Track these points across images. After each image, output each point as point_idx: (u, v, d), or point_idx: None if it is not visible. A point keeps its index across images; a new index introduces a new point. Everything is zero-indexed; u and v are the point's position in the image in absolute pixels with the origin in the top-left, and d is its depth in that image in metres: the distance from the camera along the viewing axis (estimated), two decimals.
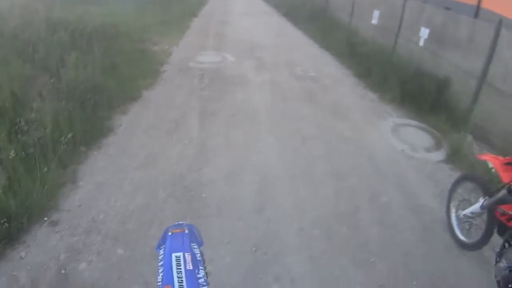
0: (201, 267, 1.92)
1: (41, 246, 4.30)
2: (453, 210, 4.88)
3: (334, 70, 11.35)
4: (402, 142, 6.95)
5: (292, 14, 19.77)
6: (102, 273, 4.00)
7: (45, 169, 5.10)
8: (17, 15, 10.53)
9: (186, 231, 2.16)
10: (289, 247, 4.46)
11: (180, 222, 2.34)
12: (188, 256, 1.94)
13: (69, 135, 5.65)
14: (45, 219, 4.68)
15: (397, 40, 10.72)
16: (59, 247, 4.29)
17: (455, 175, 5.92)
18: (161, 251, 2.02)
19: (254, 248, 4.40)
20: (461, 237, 4.65)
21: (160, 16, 16.76)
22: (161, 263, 1.93)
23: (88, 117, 6.54)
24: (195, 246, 2.07)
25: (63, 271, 3.99)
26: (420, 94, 8.19)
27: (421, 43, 9.33)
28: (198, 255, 2.01)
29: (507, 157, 3.90)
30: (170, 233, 2.12)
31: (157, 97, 8.40)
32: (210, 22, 17.96)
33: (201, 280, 1.84)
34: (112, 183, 5.39)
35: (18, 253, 4.20)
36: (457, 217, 4.77)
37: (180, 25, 16.20)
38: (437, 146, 6.94)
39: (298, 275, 4.08)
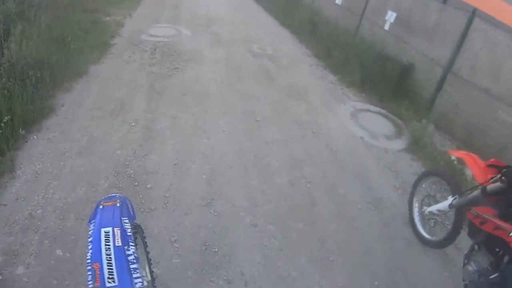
0: (131, 243, 2.01)
1: None
2: (416, 205, 4.74)
3: (294, 49, 10.98)
4: (362, 129, 6.76)
5: None
6: (40, 277, 3.62)
7: None
8: None
9: (118, 204, 2.23)
10: (241, 245, 4.20)
11: (113, 194, 2.43)
12: (117, 231, 2.01)
13: (7, 118, 5.13)
14: None
15: (361, 22, 10.42)
16: None
17: (416, 165, 5.93)
18: (91, 226, 2.09)
19: (204, 247, 4.08)
20: (424, 234, 4.53)
21: None
22: (90, 239, 2.00)
23: (29, 96, 5.97)
24: (126, 221, 2.15)
25: (0, 277, 3.60)
26: (382, 78, 7.98)
27: (387, 27, 9.06)
28: (129, 230, 2.09)
29: (491, 159, 3.68)
30: (101, 206, 2.21)
31: (104, 73, 7.79)
32: None
33: (130, 258, 1.94)
34: (51, 172, 4.91)
35: None
36: (421, 213, 4.63)
37: None
38: (398, 134, 6.79)
39: (252, 277, 3.84)
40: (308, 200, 4.95)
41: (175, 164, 5.33)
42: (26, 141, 5.41)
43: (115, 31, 10.34)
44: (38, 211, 4.31)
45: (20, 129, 5.40)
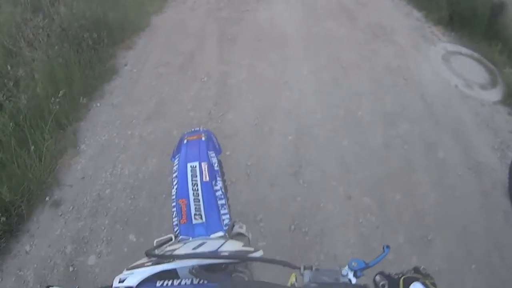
0: (218, 178, 1.92)
1: (46, 236, 3.64)
2: None
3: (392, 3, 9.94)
4: (456, 75, 5.95)
5: None
6: (114, 268, 3.33)
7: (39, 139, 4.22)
8: None
9: (203, 138, 2.11)
10: (334, 223, 3.73)
11: (197, 128, 2.36)
12: (204, 166, 1.90)
13: (64, 90, 4.64)
14: (47, 199, 3.93)
15: None
16: (64, 236, 3.63)
17: None
18: (176, 161, 1.99)
19: (292, 227, 3.64)
20: None
21: None
22: (175, 174, 1.91)
23: (87, 60, 5.49)
24: (213, 155, 2.04)
25: (71, 269, 3.37)
26: (472, 16, 6.99)
27: None
28: (216, 164, 1.99)
29: None
30: (185, 141, 2.10)
31: (168, 24, 7.14)
32: None
33: (218, 193, 1.86)
34: (118, 143, 4.50)
35: (23, 246, 3.59)
36: None
37: None
38: (493, 82, 5.96)
39: (346, 261, 3.33)
40: (405, 165, 4.36)
41: (255, 124, 4.77)
42: (89, 110, 5.01)
43: None
44: (107, 191, 3.98)
45: (81, 98, 4.95)
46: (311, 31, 6.85)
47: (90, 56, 5.54)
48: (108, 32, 6.06)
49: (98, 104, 5.10)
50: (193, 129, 2.30)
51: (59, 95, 4.46)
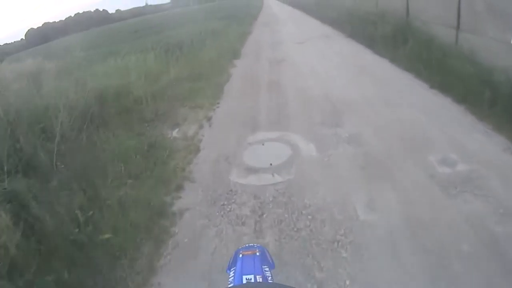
0: None
1: None
2: None
3: (484, 142, 5.86)
4: None
5: (361, 34, 14.66)
6: None
7: None
8: None
9: (258, 254, 2.18)
10: None
11: (251, 244, 2.35)
12: (259, 279, 1.95)
13: None
14: None
15: None
16: None
17: None
18: (231, 273, 2.05)
19: None
20: None
21: (189, 65, 12.28)
22: (231, 285, 1.97)
23: None
24: (267, 269, 2.08)
25: None
26: None
27: None
28: (270, 278, 2.03)
29: None
30: (240, 255, 2.16)
31: None
32: (258, 66, 12.99)
33: None
34: None
35: None
36: None
37: (216, 76, 11.39)
38: None
39: None
40: None
41: None
42: None
43: (183, 167, 6.11)
44: None
45: None
46: None
47: None
48: None
49: None
50: (247, 244, 2.30)
51: None
